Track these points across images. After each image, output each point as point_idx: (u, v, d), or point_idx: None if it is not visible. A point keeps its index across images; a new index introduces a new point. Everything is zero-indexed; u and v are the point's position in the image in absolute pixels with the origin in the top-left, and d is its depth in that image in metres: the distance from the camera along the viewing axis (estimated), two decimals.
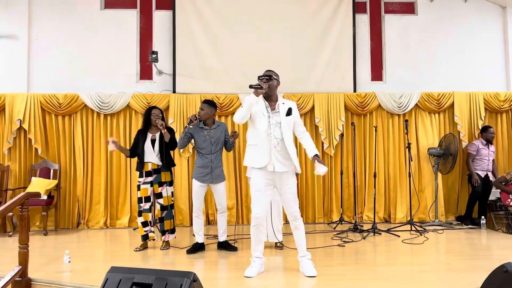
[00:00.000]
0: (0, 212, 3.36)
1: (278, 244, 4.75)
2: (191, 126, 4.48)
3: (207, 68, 6.67)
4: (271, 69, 3.76)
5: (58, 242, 5.34)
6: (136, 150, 4.78)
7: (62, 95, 6.37)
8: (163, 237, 4.73)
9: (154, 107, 4.88)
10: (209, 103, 4.62)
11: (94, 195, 6.41)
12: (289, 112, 3.62)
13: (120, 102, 6.42)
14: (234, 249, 4.66)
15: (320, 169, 3.56)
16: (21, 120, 6.22)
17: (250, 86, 3.47)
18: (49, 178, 6.19)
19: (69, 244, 5.17)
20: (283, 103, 3.66)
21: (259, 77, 3.62)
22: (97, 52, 6.67)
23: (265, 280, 3.53)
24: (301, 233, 3.67)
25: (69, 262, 3.99)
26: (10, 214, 5.79)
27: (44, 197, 5.83)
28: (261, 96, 3.57)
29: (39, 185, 5.89)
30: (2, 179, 6.16)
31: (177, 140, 4.68)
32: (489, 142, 6.31)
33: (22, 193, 3.65)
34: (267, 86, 3.53)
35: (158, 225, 4.75)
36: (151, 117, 4.72)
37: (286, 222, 5.15)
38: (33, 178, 6.11)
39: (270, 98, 3.65)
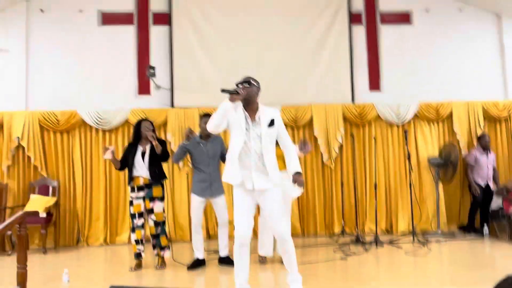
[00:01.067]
0: (4, 228, 3.31)
1: (260, 257, 4.67)
2: (187, 142, 4.47)
3: (204, 81, 6.66)
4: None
5: (57, 261, 5.27)
6: (125, 163, 4.66)
7: (60, 112, 6.36)
8: (162, 252, 4.57)
9: (144, 119, 4.78)
10: (209, 115, 4.61)
11: (93, 211, 6.35)
12: (271, 123, 3.25)
13: (118, 118, 6.41)
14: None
15: (294, 193, 3.38)
16: (19, 138, 6.19)
17: (222, 90, 3.15)
18: (48, 195, 6.13)
19: (68, 262, 5.11)
20: (264, 113, 3.27)
21: (237, 83, 3.31)
22: (95, 68, 6.67)
23: None
24: (291, 255, 3.32)
25: (68, 281, 3.94)
26: (9, 233, 5.73)
27: (43, 214, 5.77)
28: (240, 105, 3.24)
29: (38, 203, 5.84)
30: (0, 197, 6.10)
31: (172, 153, 4.63)
32: (487, 149, 6.29)
33: (20, 212, 3.61)
34: (245, 93, 3.18)
35: (154, 241, 4.57)
36: (141, 129, 4.59)
37: None
38: (31, 195, 6.06)
39: (250, 107, 3.25)
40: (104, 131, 6.47)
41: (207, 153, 4.55)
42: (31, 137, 6.26)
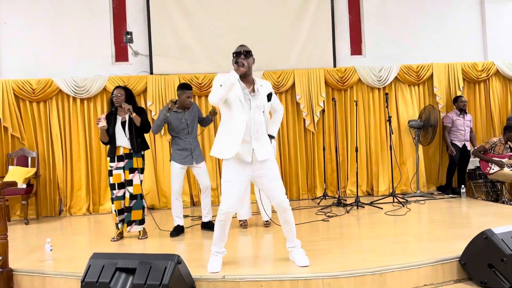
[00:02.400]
0: None
1: (265, 222, 4.76)
2: (168, 114, 4.41)
3: (184, 48, 6.53)
4: (249, 46, 3.29)
5: (40, 231, 5.25)
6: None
7: (35, 81, 6.17)
8: (128, 227, 4.40)
9: (117, 87, 4.48)
10: (189, 87, 4.55)
11: (74, 181, 6.29)
12: (269, 97, 3.26)
13: (96, 86, 6.26)
14: None
15: None
16: None
17: (236, 62, 3.04)
18: (27, 167, 6.04)
19: (51, 232, 5.09)
20: (261, 85, 3.24)
21: (235, 53, 3.16)
22: (69, 35, 6.45)
23: (252, 259, 3.54)
24: (291, 225, 3.29)
25: (50, 250, 3.92)
26: None
27: (23, 185, 5.70)
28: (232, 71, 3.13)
29: (17, 174, 5.75)
30: None
31: (152, 121, 4.51)
32: (463, 111, 6.38)
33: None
34: (247, 65, 3.08)
35: (124, 215, 4.43)
36: (113, 98, 4.39)
37: None
38: (10, 167, 5.96)
39: (247, 78, 3.17)
40: (82, 100, 6.33)
41: (186, 122, 4.51)
42: (6, 107, 6.09)
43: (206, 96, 6.50)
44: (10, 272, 3.50)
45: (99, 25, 6.51)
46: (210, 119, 4.75)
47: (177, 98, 4.60)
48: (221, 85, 2.99)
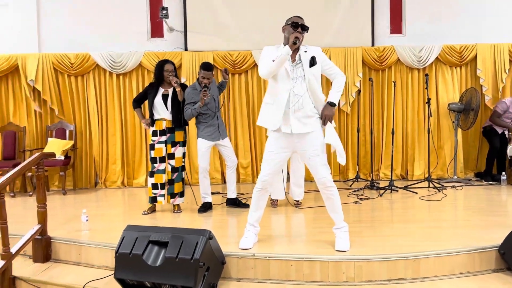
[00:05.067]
0: (17, 172, 3.38)
1: (296, 202, 4.73)
2: (202, 106, 4.38)
3: (219, 24, 6.46)
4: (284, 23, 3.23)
5: (76, 202, 5.43)
6: (140, 101, 4.63)
7: (73, 55, 6.28)
8: (172, 200, 4.53)
9: (167, 61, 4.55)
10: (211, 68, 4.46)
11: (110, 155, 6.44)
12: (312, 62, 3.08)
13: (132, 61, 6.32)
14: (245, 206, 4.65)
15: (329, 133, 3.16)
16: (33, 80, 6.17)
17: (295, 40, 2.91)
18: (65, 139, 6.22)
19: (87, 203, 5.25)
20: (305, 51, 3.10)
21: (293, 23, 3.04)
22: (107, 10, 6.48)
23: (283, 238, 3.53)
24: (335, 203, 3.17)
25: (86, 220, 4.06)
26: (30, 174, 5.88)
27: (61, 157, 5.88)
28: (281, 45, 3.10)
29: (56, 146, 5.93)
30: (19, 140, 6.22)
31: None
32: None
33: (37, 154, 3.66)
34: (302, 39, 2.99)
35: (168, 187, 4.56)
36: (164, 73, 4.45)
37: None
38: (49, 139, 6.15)
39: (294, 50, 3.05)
40: (118, 75, 6.41)
41: (212, 98, 4.51)
42: (46, 80, 6.24)
43: (240, 74, 6.45)
44: (49, 239, 3.64)
45: (136, 0, 6.51)
46: (224, 83, 4.75)
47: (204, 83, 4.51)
48: (273, 60, 2.96)
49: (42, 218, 3.64)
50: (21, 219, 4.25)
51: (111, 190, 6.23)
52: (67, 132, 6.29)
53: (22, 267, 3.46)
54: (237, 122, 6.45)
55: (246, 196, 5.19)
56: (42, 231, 3.60)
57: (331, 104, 3.15)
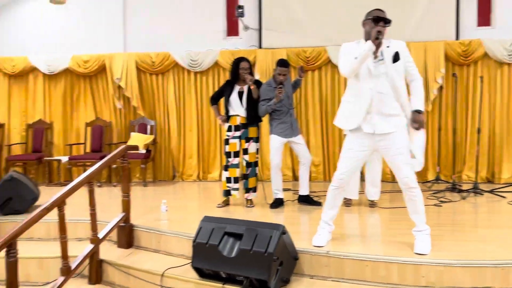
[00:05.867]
0: (105, 162, 3.63)
1: (370, 202, 4.59)
2: (277, 103, 4.41)
3: (293, 21, 6.44)
4: (361, 16, 3.11)
5: (156, 193, 5.72)
6: (217, 98, 4.76)
7: (155, 54, 6.62)
8: (246, 195, 4.63)
9: (242, 58, 4.64)
10: (287, 64, 4.51)
11: (187, 149, 6.71)
12: (396, 57, 2.92)
13: (208, 60, 6.52)
14: (317, 204, 4.59)
15: (415, 138, 2.97)
16: (119, 79, 6.60)
17: (378, 35, 2.79)
18: (146, 134, 6.58)
19: (165, 195, 5.49)
20: (388, 46, 2.95)
21: (375, 17, 2.92)
22: (186, 10, 6.72)
23: (358, 238, 3.45)
24: (417, 205, 3.00)
25: (166, 211, 4.26)
26: (114, 166, 6.31)
27: (143, 151, 6.23)
28: (362, 40, 3.00)
29: (138, 140, 6.30)
30: (107, 134, 6.69)
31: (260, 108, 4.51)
32: None
33: (122, 146, 3.91)
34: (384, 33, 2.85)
35: (243, 182, 4.68)
36: (239, 71, 4.55)
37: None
38: (132, 133, 6.55)
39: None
40: (195, 73, 6.65)
41: (286, 95, 4.50)
42: (129, 79, 6.64)
43: (313, 70, 6.39)
44: (132, 227, 3.88)
45: (214, 0, 6.69)
46: (299, 79, 4.71)
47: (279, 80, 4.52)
48: (356, 58, 2.87)
49: (126, 206, 3.89)
50: (106, 208, 4.55)
51: (187, 183, 6.50)
52: (148, 127, 6.64)
53: (108, 252, 3.71)
54: (309, 120, 6.40)
55: (317, 194, 5.13)
56: (126, 219, 3.85)
57: (419, 112, 2.96)
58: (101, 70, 6.77)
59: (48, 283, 3.52)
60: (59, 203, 3.01)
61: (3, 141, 6.80)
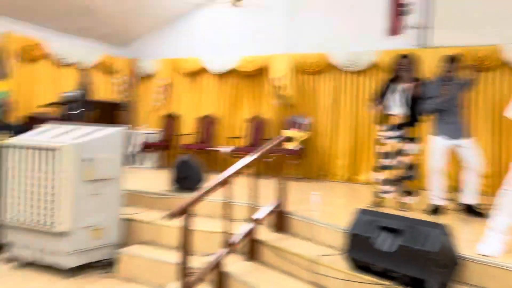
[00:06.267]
0: (269, 148, 3.94)
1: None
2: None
3: (464, 17, 5.95)
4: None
5: (306, 188, 5.87)
6: (381, 97, 4.57)
7: (312, 55, 6.84)
8: (401, 198, 4.39)
9: (403, 56, 4.47)
10: (454, 60, 4.24)
11: (338, 149, 6.76)
12: None
13: (365, 60, 6.47)
14: (480, 215, 4.13)
15: None
16: (279, 79, 6.98)
17: None
18: (300, 131, 6.81)
19: (315, 190, 5.62)
20: None
21: None
22: (346, 11, 6.74)
23: None
24: None
25: (317, 201, 4.36)
26: (269, 159, 6.68)
27: (297, 147, 6.47)
28: None
29: (292, 137, 6.56)
30: (261, 129, 7.14)
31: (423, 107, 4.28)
32: None
33: (280, 136, 4.17)
34: None
35: (398, 184, 4.43)
36: (398, 68, 4.40)
37: None
38: (285, 130, 6.82)
39: None
40: (352, 73, 6.65)
41: (452, 93, 4.19)
42: (287, 78, 6.98)
43: (487, 71, 5.82)
44: (286, 214, 4.08)
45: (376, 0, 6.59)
46: (469, 79, 4.41)
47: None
48: None
49: (282, 194, 4.10)
50: (262, 195, 4.83)
51: (335, 183, 6.53)
52: (302, 125, 6.87)
53: (264, 234, 3.96)
54: (478, 126, 5.83)
55: (482, 207, 4.62)
56: (282, 205, 4.07)
57: None
58: (262, 70, 7.25)
59: (209, 254, 3.91)
60: (228, 181, 3.35)
61: (179, 130, 7.81)
